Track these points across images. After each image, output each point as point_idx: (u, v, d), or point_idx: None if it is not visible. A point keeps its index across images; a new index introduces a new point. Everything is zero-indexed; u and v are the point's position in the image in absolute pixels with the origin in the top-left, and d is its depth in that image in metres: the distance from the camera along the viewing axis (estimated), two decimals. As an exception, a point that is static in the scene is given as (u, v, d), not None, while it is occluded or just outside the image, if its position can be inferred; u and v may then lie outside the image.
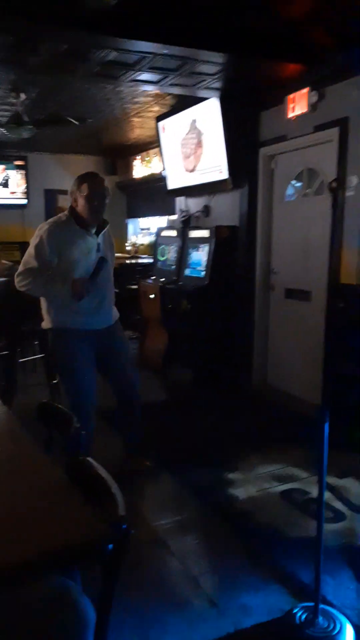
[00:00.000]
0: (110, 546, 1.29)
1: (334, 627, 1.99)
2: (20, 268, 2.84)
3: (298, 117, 4.18)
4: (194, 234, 5.41)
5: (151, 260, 6.51)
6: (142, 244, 8.68)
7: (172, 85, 4.35)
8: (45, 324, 2.96)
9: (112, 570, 1.34)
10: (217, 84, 4.29)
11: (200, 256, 5.24)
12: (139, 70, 4.00)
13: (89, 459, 1.70)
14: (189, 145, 5.47)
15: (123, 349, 3.15)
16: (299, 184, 4.52)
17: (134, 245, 8.80)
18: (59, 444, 1.95)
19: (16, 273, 2.86)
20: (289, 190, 4.62)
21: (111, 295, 3.07)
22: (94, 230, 2.89)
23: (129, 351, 3.22)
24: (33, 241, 2.83)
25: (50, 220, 2.91)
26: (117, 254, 8.98)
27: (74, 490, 1.51)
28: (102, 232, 2.92)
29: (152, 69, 3.95)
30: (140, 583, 2.29)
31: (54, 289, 2.79)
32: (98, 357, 3.00)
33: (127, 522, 1.32)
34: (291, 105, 4.21)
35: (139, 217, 8.67)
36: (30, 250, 2.81)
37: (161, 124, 5.86)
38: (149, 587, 2.28)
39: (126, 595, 2.18)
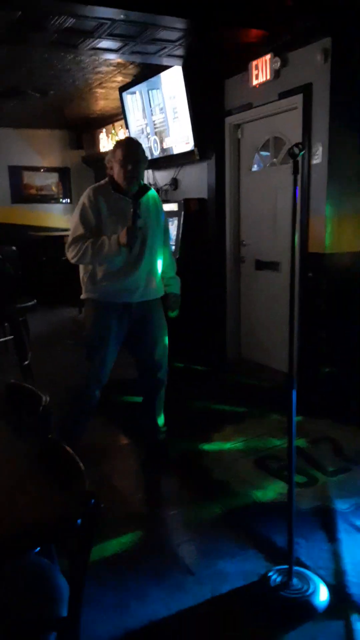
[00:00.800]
0: (79, 521, 1.29)
1: (308, 588, 2.04)
2: (69, 239, 2.78)
3: (262, 84, 4.12)
4: (163, 207, 5.33)
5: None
6: (112, 220, 8.55)
7: (133, 53, 4.22)
8: (82, 294, 2.91)
9: (83, 545, 1.34)
10: (179, 51, 4.18)
11: (170, 230, 5.18)
12: (98, 38, 3.86)
13: (59, 441, 1.69)
14: (154, 116, 5.35)
15: (155, 331, 2.96)
16: (265, 153, 4.48)
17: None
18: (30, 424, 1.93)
19: (66, 246, 2.79)
20: (256, 160, 4.58)
21: (153, 267, 2.88)
22: (133, 196, 2.79)
23: (162, 335, 3.00)
24: (77, 209, 2.81)
25: (92, 185, 2.86)
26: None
27: (41, 469, 1.50)
28: (142, 198, 2.80)
29: (112, 35, 3.82)
30: (118, 556, 2.31)
31: (104, 247, 2.67)
32: (128, 332, 2.91)
33: (96, 497, 1.32)
34: (255, 73, 4.14)
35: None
36: (75, 218, 2.79)
37: (125, 94, 5.72)
38: (128, 560, 2.30)
39: (105, 568, 2.21)
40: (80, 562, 1.35)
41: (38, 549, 1.65)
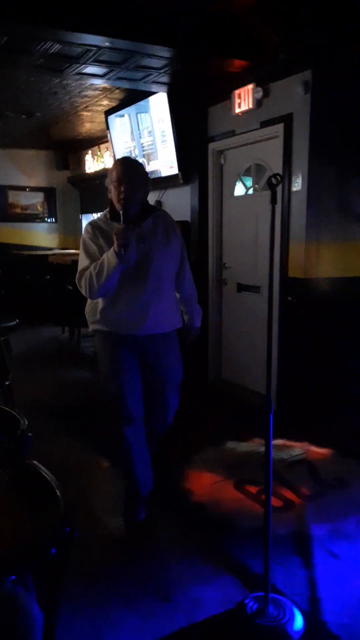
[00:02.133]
0: (53, 550, 1.28)
1: (284, 616, 2.03)
2: (77, 275, 2.59)
3: (244, 112, 4.22)
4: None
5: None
6: (96, 240, 8.58)
7: (118, 78, 4.31)
8: (89, 327, 2.74)
9: (57, 574, 1.33)
10: (164, 78, 4.28)
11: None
12: (84, 63, 3.95)
13: (35, 462, 1.68)
14: (142, 138, 5.44)
15: (166, 368, 2.72)
16: (247, 180, 4.57)
17: (88, 241, 8.68)
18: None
19: (77, 283, 2.60)
20: (239, 186, 4.67)
21: (161, 296, 2.59)
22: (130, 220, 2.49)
23: (174, 372, 2.76)
24: (80, 247, 2.65)
25: (90, 221, 2.71)
26: (70, 251, 8.80)
27: (16, 495, 1.49)
28: (146, 222, 2.56)
29: (98, 62, 3.91)
30: (94, 582, 2.28)
31: (104, 264, 2.44)
32: (140, 366, 2.69)
33: (71, 525, 1.31)
34: (237, 101, 4.24)
35: (93, 212, 8.56)
36: (81, 253, 2.62)
37: (111, 118, 5.80)
38: (102, 586, 2.27)
39: (80, 596, 2.18)
40: (54, 591, 1.34)
41: (13, 577, 1.63)
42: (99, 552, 2.50)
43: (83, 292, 2.58)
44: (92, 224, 2.65)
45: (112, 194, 2.52)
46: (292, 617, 2.03)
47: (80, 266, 2.60)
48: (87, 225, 2.68)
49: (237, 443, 3.68)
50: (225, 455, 3.50)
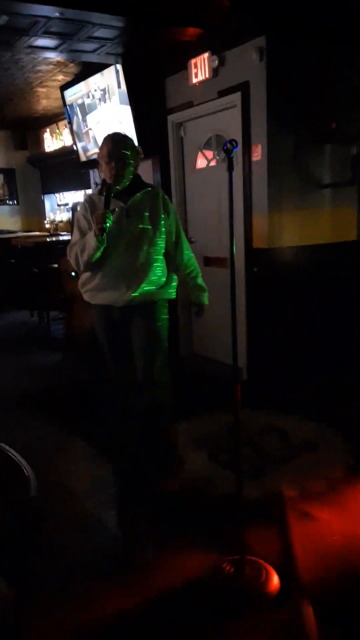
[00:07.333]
0: (20, 526, 1.28)
1: (260, 577, 2.08)
2: (68, 249, 2.72)
3: (201, 82, 4.16)
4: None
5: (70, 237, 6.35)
6: (61, 221, 8.44)
7: (71, 51, 4.19)
8: (83, 296, 2.87)
9: (25, 549, 1.34)
10: (118, 49, 4.18)
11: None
12: (34, 36, 3.82)
13: (2, 444, 1.67)
14: (97, 115, 5.32)
15: (139, 340, 2.77)
16: (208, 151, 4.53)
17: (52, 222, 8.53)
18: None
19: (67, 253, 2.73)
20: (200, 158, 4.62)
21: (137, 269, 2.63)
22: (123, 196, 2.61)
23: (149, 345, 2.79)
24: (75, 220, 2.78)
25: (87, 193, 2.78)
26: (34, 233, 8.63)
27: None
28: (135, 198, 2.61)
29: (48, 33, 3.79)
30: (73, 558, 2.30)
31: (86, 243, 2.56)
32: (125, 336, 2.80)
33: (37, 502, 1.31)
34: (194, 71, 4.18)
35: (55, 192, 8.40)
36: (74, 229, 2.75)
37: (67, 93, 5.65)
38: (81, 561, 2.29)
39: (57, 571, 2.19)
40: (22, 564, 1.34)
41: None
42: (75, 528, 2.51)
43: (72, 264, 2.70)
44: (86, 198, 2.76)
45: (103, 170, 2.61)
46: (268, 577, 2.08)
47: (72, 240, 2.72)
48: (81, 201, 2.80)
49: (210, 414, 3.71)
50: (198, 426, 3.53)
